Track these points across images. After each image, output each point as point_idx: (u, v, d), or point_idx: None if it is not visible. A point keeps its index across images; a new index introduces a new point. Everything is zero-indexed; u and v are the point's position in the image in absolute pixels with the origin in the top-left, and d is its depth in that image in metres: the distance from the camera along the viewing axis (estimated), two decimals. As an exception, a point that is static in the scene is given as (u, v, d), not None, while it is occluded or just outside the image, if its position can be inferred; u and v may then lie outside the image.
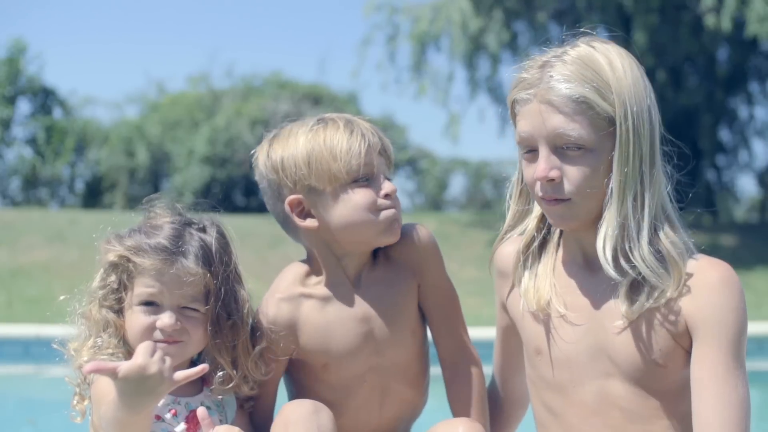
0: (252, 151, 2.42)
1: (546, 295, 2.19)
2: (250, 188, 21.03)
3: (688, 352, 2.09)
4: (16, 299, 11.07)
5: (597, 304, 2.15)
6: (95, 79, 46.76)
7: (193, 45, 48.27)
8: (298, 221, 2.33)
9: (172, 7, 49.59)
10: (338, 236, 2.32)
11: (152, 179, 21.92)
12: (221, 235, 2.28)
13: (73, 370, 2.25)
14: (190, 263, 2.19)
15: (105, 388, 2.06)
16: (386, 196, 2.32)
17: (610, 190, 2.08)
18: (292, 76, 26.73)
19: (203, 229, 2.27)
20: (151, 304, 2.19)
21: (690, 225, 2.19)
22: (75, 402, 2.26)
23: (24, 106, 22.56)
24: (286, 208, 2.33)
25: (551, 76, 2.08)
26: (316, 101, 21.42)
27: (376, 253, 2.40)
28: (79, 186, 22.89)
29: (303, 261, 2.43)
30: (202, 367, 2.01)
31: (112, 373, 1.90)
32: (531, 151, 2.12)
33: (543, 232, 2.26)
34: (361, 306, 2.36)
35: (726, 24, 14.98)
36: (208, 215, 2.32)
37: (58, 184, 22.52)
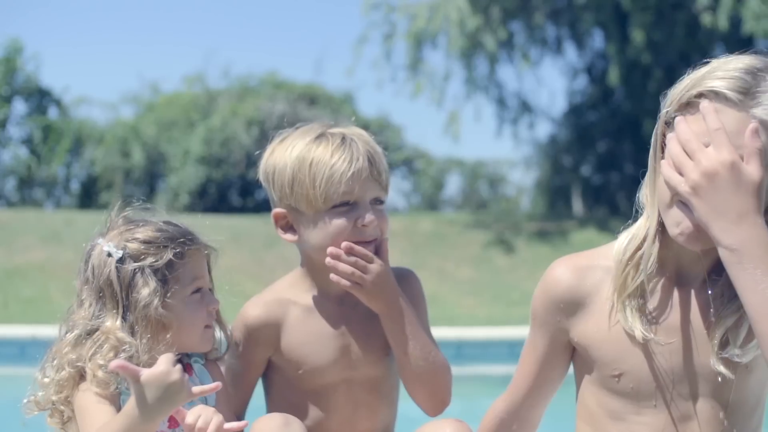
0: (257, 151, 2.45)
1: (631, 316, 2.07)
2: (246, 188, 21.00)
3: None
4: (11, 300, 11.04)
5: (689, 321, 2.07)
6: (90, 79, 46.72)
7: (188, 45, 48.31)
8: (280, 233, 2.38)
9: (167, 8, 49.55)
10: (315, 257, 2.36)
11: (148, 179, 21.88)
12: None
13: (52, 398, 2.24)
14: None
15: (91, 399, 2.14)
16: (363, 227, 2.30)
17: None
18: (288, 76, 26.68)
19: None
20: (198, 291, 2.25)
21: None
22: (50, 420, 2.27)
23: (20, 106, 22.51)
24: (272, 218, 2.38)
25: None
26: (312, 101, 21.38)
27: None
28: (75, 186, 22.83)
29: (301, 267, 2.46)
30: (215, 385, 2.08)
31: (134, 377, 1.96)
32: None
33: (653, 245, 2.07)
34: (342, 322, 2.39)
35: (722, 22, 15.00)
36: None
37: (53, 184, 22.46)
